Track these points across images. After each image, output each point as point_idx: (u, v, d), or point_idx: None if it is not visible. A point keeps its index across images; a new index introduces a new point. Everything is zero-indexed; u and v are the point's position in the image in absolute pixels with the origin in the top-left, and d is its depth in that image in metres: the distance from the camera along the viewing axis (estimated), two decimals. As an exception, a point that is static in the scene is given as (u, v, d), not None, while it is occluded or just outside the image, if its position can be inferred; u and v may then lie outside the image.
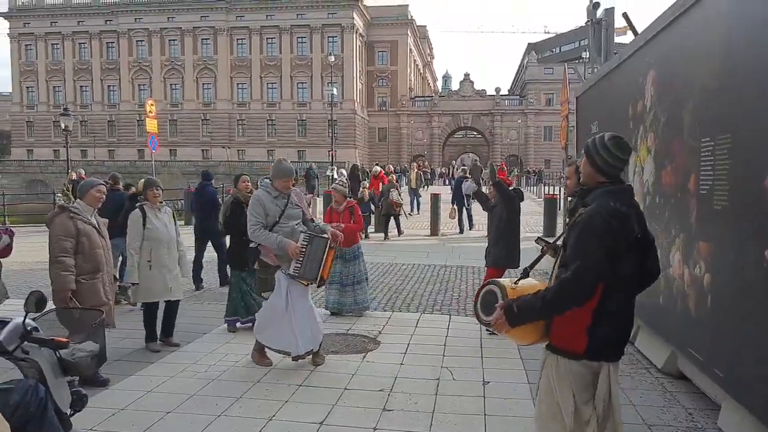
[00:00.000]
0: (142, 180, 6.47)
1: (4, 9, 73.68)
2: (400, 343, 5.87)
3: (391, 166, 27.10)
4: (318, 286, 5.51)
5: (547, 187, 27.30)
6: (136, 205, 5.74)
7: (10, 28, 73.20)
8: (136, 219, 5.48)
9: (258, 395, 4.51)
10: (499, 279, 2.79)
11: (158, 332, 5.74)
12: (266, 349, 5.25)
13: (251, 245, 5.16)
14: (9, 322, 2.63)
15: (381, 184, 15.93)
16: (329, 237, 5.08)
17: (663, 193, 5.00)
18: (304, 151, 65.43)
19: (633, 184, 5.76)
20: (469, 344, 5.84)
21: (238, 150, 68.07)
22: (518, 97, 75.96)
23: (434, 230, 15.25)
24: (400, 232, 15.13)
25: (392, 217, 14.81)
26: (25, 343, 2.67)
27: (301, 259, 4.91)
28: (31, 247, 10.41)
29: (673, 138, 4.71)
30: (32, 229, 15.89)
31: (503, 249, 6.19)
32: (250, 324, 6.19)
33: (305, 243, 4.94)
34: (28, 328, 2.67)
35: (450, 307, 7.55)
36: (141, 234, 5.42)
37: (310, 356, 5.19)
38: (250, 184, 6.59)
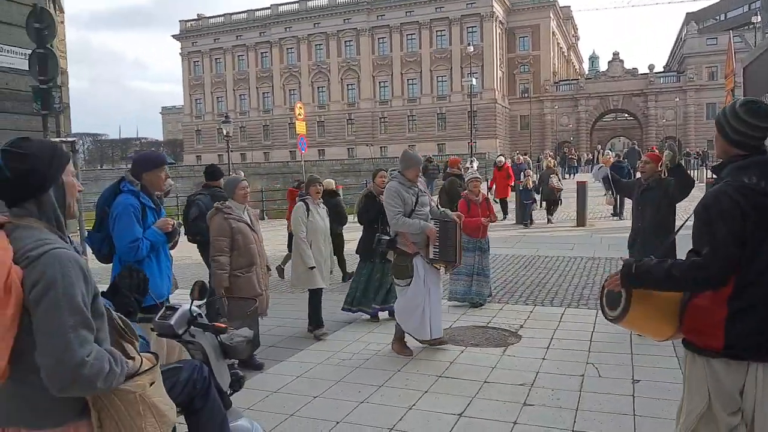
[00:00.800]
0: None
1: (176, 31, 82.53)
2: (542, 338, 5.70)
3: (549, 152, 25.80)
4: (453, 269, 5.76)
5: (710, 171, 24.57)
6: (299, 199, 6.30)
7: (181, 48, 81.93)
8: (301, 211, 6.02)
9: (399, 384, 4.64)
10: None
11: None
12: (406, 339, 5.39)
13: (384, 237, 5.38)
14: (178, 308, 2.95)
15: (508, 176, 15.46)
16: (457, 220, 5.35)
17: None
18: (444, 144, 65.55)
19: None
20: (617, 340, 5.50)
21: (380, 147, 69.98)
22: (675, 73, 69.57)
23: (581, 221, 14.52)
24: (549, 221, 14.91)
25: (552, 203, 15.37)
26: (192, 327, 2.98)
27: (437, 243, 5.15)
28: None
29: None
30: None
31: (665, 239, 5.61)
32: (363, 314, 6.54)
33: (437, 228, 5.18)
34: (194, 314, 2.98)
35: (598, 302, 7.14)
36: (305, 224, 5.95)
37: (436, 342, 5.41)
38: (386, 179, 6.78)
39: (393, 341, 5.48)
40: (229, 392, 3.17)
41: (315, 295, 6.11)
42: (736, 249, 2.15)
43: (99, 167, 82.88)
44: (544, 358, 5.13)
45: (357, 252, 6.78)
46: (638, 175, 6.09)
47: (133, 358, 1.96)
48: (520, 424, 3.84)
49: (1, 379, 1.68)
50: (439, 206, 6.44)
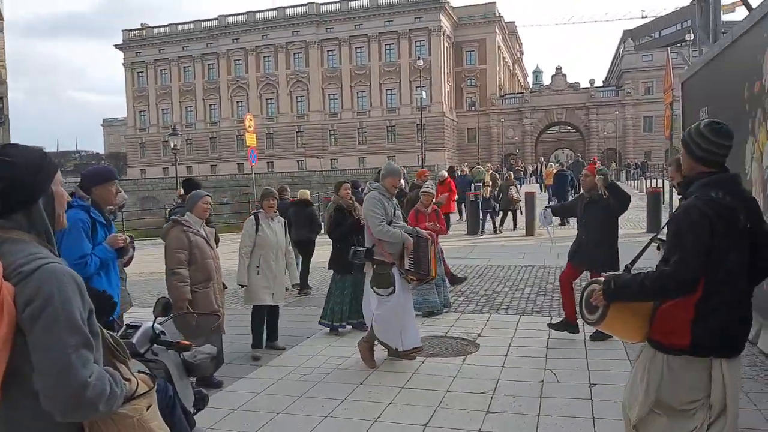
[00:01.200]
0: (301, 190, 7.72)
1: (118, 41, 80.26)
2: (500, 346, 5.79)
3: (490, 165, 26.15)
4: (424, 283, 5.79)
5: (649, 181, 25.79)
6: (252, 212, 6.16)
7: (124, 58, 79.69)
8: (249, 225, 5.88)
9: (362, 397, 4.62)
10: (600, 278, 2.72)
11: (264, 339, 5.99)
12: (374, 349, 5.42)
13: (359, 248, 5.42)
14: (140, 326, 2.85)
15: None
16: (429, 238, 5.45)
17: (786, 181, 4.60)
18: (394, 157, 65.90)
19: (750, 171, 5.36)
20: (572, 346, 5.66)
21: (330, 159, 69.86)
22: (614, 87, 72.49)
23: (530, 230, 14.87)
24: (496, 230, 15.32)
25: (510, 212, 16.08)
26: (154, 345, 2.89)
27: (411, 255, 5.23)
28: (148, 259, 11.26)
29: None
30: (147, 242, 17.17)
31: (607, 251, 5.88)
32: (348, 328, 6.50)
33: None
34: (157, 332, 2.90)
35: (551, 308, 7.33)
36: (253, 239, 5.79)
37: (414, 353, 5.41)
38: (350, 191, 6.80)
39: (361, 343, 5.46)
40: (193, 411, 3.09)
41: (255, 313, 5.97)
42: (703, 258, 2.34)
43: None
44: (503, 366, 5.21)
45: (330, 267, 6.72)
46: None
47: (128, 380, 1.85)
48: (485, 431, 3.88)
49: None
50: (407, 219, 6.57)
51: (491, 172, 22.42)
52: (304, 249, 9.06)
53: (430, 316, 7.11)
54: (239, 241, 5.94)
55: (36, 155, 1.76)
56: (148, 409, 1.90)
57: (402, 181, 10.20)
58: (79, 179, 4.01)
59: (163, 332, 2.91)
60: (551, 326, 6.09)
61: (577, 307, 2.83)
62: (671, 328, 2.46)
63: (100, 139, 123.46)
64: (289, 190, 10.47)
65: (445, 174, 15.69)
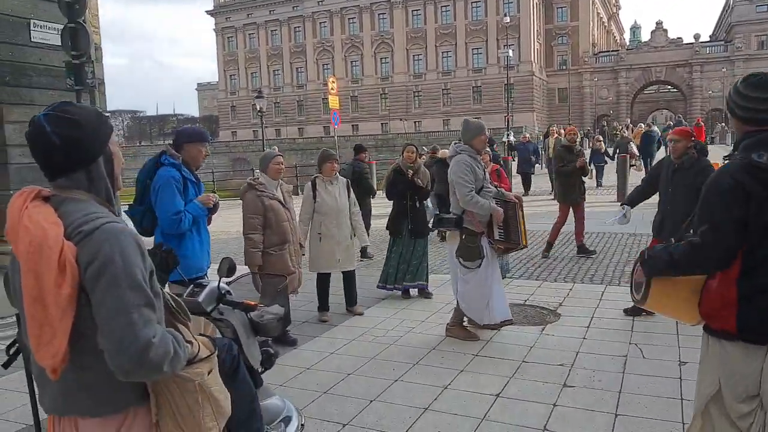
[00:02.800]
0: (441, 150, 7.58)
1: (209, 7, 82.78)
2: (582, 317, 5.51)
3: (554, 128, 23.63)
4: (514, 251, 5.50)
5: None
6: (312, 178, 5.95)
7: (215, 23, 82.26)
8: (307, 193, 5.76)
9: (434, 362, 4.54)
10: None
11: (329, 303, 5.92)
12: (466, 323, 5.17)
13: (445, 215, 5.04)
14: (207, 285, 2.88)
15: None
16: (516, 201, 5.01)
17: None
18: (479, 118, 64.15)
19: None
20: (662, 320, 5.24)
21: (414, 122, 69.37)
22: (723, 42, 66.68)
23: (622, 196, 14.06)
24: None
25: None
26: (220, 305, 2.92)
27: (501, 224, 4.84)
28: (234, 219, 11.66)
29: None
30: (234, 202, 17.84)
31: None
32: (398, 290, 6.42)
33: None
34: (222, 292, 2.91)
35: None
36: (312, 205, 5.66)
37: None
38: (414, 154, 6.63)
39: (451, 327, 5.16)
40: (260, 370, 3.11)
41: (319, 280, 5.85)
42: (734, 229, 2.10)
43: (138, 144, 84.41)
44: (584, 338, 4.95)
45: (387, 228, 6.65)
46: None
47: (190, 342, 1.82)
48: (560, 406, 3.69)
49: (62, 363, 1.55)
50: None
51: (555, 137, 19.96)
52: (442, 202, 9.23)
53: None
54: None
55: (93, 114, 1.73)
56: (209, 374, 1.87)
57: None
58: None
59: (229, 292, 2.93)
60: (626, 312, 5.59)
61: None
62: (718, 308, 2.21)
63: (194, 103, 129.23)
64: (438, 148, 10.57)
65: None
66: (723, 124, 46.34)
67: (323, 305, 5.86)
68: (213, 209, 4.08)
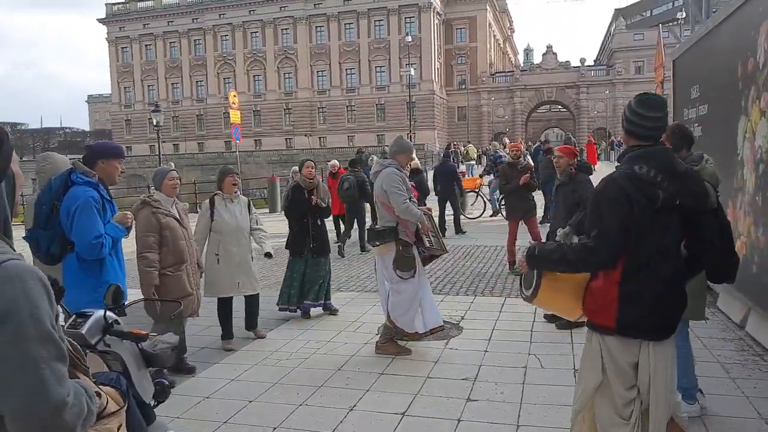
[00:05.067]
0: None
1: (102, 15, 78.55)
2: (484, 329, 5.64)
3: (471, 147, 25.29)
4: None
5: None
6: (212, 195, 5.57)
7: (108, 32, 78.09)
8: (204, 210, 5.46)
9: (339, 384, 4.45)
10: None
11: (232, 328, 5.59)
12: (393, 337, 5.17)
13: (378, 227, 5.11)
14: (91, 315, 2.64)
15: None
16: (429, 212, 5.28)
17: (780, 161, 4.44)
18: (383, 135, 65.51)
19: (742, 150, 5.19)
20: (557, 330, 5.51)
21: (319, 137, 69.24)
22: (605, 66, 72.17)
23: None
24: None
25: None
26: (107, 336, 2.69)
27: (431, 233, 5.06)
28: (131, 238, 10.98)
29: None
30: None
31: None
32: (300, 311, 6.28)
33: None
34: (109, 321, 2.69)
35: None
36: (208, 226, 5.34)
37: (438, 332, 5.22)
38: (314, 170, 6.49)
39: (382, 345, 5.11)
40: (153, 404, 2.90)
41: (221, 305, 5.50)
42: (621, 234, 2.30)
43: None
44: (486, 350, 5.06)
45: (287, 248, 6.46)
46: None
47: (98, 395, 1.62)
48: (464, 420, 3.73)
49: None
50: None
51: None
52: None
53: None
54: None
55: None
56: (118, 430, 1.68)
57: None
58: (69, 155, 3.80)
59: (116, 321, 2.71)
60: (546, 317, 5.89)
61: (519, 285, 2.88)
62: (598, 306, 2.45)
63: (85, 116, 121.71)
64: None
65: (337, 164, 13.57)
66: (604, 141, 49.97)
67: (227, 333, 5.51)
68: (129, 229, 3.88)
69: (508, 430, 3.57)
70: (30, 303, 1.30)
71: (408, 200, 4.91)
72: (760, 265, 4.89)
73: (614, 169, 2.54)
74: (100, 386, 1.69)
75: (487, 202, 15.00)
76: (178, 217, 4.68)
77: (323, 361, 4.98)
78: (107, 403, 1.67)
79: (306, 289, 6.25)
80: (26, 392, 1.27)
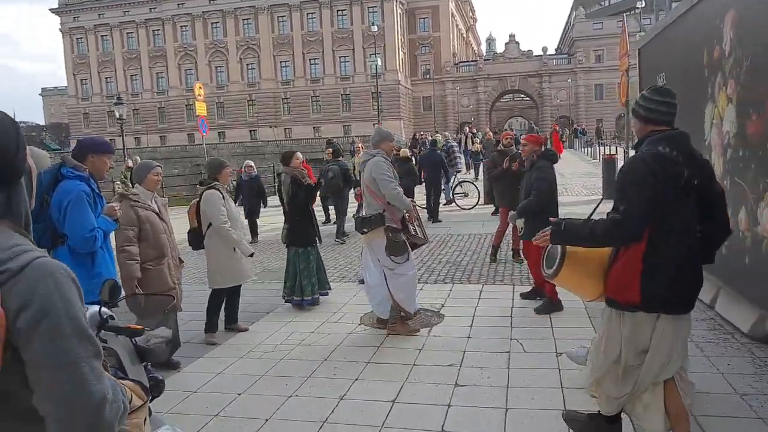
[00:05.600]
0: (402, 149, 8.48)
1: (54, 5, 75.95)
2: (464, 316, 5.73)
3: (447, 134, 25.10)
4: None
5: (603, 148, 26.17)
6: (208, 187, 5.46)
7: (61, 23, 75.56)
8: (217, 197, 5.33)
9: (327, 374, 4.48)
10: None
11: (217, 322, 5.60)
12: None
13: (366, 215, 5.26)
14: (86, 310, 2.60)
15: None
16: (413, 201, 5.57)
17: (749, 145, 4.61)
18: (350, 126, 65.37)
19: (710, 136, 5.37)
20: (537, 315, 5.64)
21: (284, 129, 68.61)
22: (566, 55, 73.36)
23: (488, 199, 14.87)
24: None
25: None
26: (102, 331, 2.65)
27: (416, 221, 5.29)
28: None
29: (761, 84, 4.31)
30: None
31: (545, 220, 5.69)
32: (307, 303, 6.29)
33: None
34: (104, 317, 2.65)
35: (513, 276, 7.34)
36: (224, 213, 5.34)
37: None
38: (301, 161, 6.50)
39: (392, 326, 5.25)
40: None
41: (216, 295, 5.53)
42: (647, 208, 2.46)
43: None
44: (469, 337, 5.15)
45: (285, 241, 6.43)
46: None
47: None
48: (454, 406, 3.80)
49: None
50: None
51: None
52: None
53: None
54: (208, 216, 5.36)
55: (9, 122, 1.38)
56: (144, 423, 1.67)
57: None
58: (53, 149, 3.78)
59: (111, 316, 2.67)
60: (523, 296, 6.15)
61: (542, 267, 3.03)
62: (624, 283, 2.58)
63: (39, 110, 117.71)
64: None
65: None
66: (568, 129, 50.75)
67: (213, 326, 5.48)
68: (118, 221, 3.94)
69: (498, 414, 3.65)
70: (64, 300, 1.27)
71: (397, 187, 5.07)
72: (729, 247, 5.06)
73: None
74: (121, 381, 1.67)
75: (481, 192, 15.17)
76: (157, 210, 4.62)
77: (309, 352, 4.99)
78: (131, 397, 1.65)
79: (311, 280, 6.28)
80: (68, 392, 1.24)
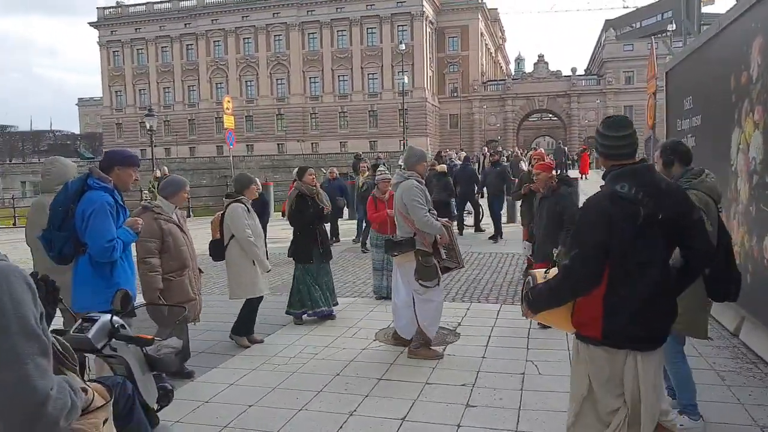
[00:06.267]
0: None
1: (93, 19, 78.25)
2: (481, 336, 5.68)
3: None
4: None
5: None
6: (234, 200, 5.57)
7: (99, 36, 77.76)
8: (241, 212, 5.42)
9: (338, 389, 4.47)
10: (533, 270, 2.83)
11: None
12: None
13: (398, 237, 5.17)
14: (97, 320, 2.65)
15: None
16: (449, 224, 5.32)
17: (774, 172, 4.51)
18: (376, 142, 65.67)
19: (736, 162, 5.28)
20: (554, 336, 5.54)
21: (311, 143, 69.22)
22: (596, 76, 72.75)
23: (511, 217, 14.79)
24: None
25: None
26: (113, 340, 2.69)
27: (448, 245, 5.15)
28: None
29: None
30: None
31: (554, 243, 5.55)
32: (317, 316, 6.32)
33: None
34: (116, 326, 2.69)
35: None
36: (249, 226, 5.44)
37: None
38: (314, 177, 6.58)
39: (415, 349, 5.15)
40: (156, 408, 2.90)
41: (249, 305, 5.66)
42: (598, 253, 2.38)
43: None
44: (484, 357, 5.10)
45: (291, 256, 6.49)
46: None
47: (84, 390, 1.65)
48: (464, 426, 3.76)
49: None
50: None
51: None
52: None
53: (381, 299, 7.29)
54: (232, 228, 5.44)
55: None
56: (104, 424, 1.71)
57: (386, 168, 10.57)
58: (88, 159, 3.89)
59: (123, 326, 2.71)
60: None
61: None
62: (584, 319, 2.52)
63: (75, 119, 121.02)
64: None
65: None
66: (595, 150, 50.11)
67: (250, 328, 5.72)
68: (139, 234, 4.00)
69: (508, 436, 3.59)
70: (14, 301, 1.36)
71: (428, 213, 4.98)
72: (753, 274, 4.97)
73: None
74: (88, 383, 1.73)
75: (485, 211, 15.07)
76: (179, 223, 4.70)
77: (322, 366, 4.99)
78: (93, 397, 1.70)
79: (317, 294, 6.30)
80: (10, 386, 1.32)
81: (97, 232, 3.57)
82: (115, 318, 2.70)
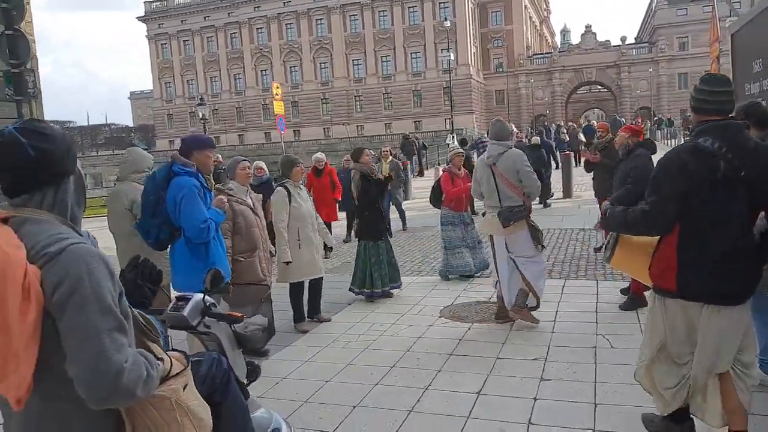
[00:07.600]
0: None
1: (141, 13, 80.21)
2: (548, 311, 5.63)
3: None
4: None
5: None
6: (279, 184, 5.79)
7: (147, 30, 79.76)
8: (282, 198, 5.52)
9: (410, 364, 4.54)
10: None
11: (305, 311, 5.82)
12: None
13: (515, 206, 5.19)
14: (191, 298, 2.77)
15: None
16: None
17: None
18: (421, 121, 65.33)
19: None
20: (621, 311, 5.47)
21: (357, 126, 69.43)
22: (647, 44, 70.02)
23: (567, 192, 14.53)
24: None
25: None
26: (206, 318, 2.81)
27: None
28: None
29: None
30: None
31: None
32: (374, 297, 6.39)
33: None
34: (207, 304, 2.81)
35: (596, 271, 7.13)
36: (287, 212, 5.50)
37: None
38: (370, 157, 6.77)
39: (520, 309, 5.21)
40: (246, 382, 3.03)
41: (294, 290, 5.73)
42: (674, 202, 2.47)
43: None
44: (553, 332, 5.07)
45: (358, 236, 6.60)
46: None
47: (161, 359, 1.77)
48: (541, 399, 3.76)
49: (27, 393, 1.47)
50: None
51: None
52: None
53: (467, 279, 7.10)
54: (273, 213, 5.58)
55: (61, 131, 1.72)
56: (184, 389, 1.82)
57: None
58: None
59: (214, 304, 2.83)
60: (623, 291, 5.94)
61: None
62: (660, 271, 2.62)
63: (128, 112, 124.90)
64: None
65: (323, 158, 11.72)
66: (649, 120, 48.45)
67: (301, 315, 5.75)
68: (226, 212, 4.20)
69: (587, 409, 3.58)
70: (92, 280, 1.49)
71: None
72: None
73: (668, 149, 2.75)
74: (168, 352, 1.86)
75: None
76: (251, 205, 4.82)
77: (391, 343, 5.08)
78: (171, 365, 1.81)
79: (376, 275, 6.38)
80: (89, 359, 1.45)
81: (191, 215, 3.71)
82: (207, 297, 2.82)
